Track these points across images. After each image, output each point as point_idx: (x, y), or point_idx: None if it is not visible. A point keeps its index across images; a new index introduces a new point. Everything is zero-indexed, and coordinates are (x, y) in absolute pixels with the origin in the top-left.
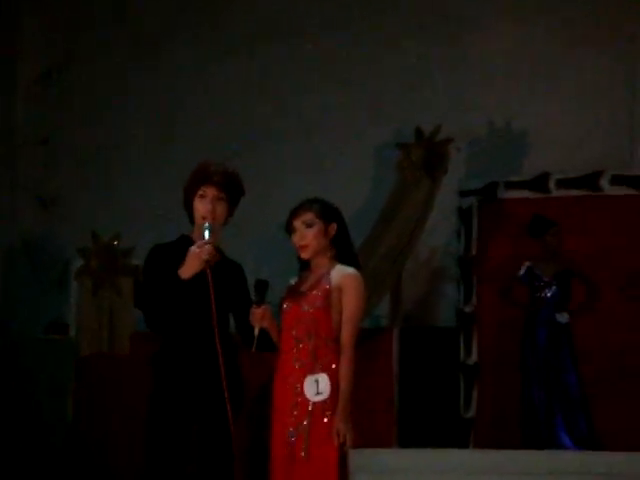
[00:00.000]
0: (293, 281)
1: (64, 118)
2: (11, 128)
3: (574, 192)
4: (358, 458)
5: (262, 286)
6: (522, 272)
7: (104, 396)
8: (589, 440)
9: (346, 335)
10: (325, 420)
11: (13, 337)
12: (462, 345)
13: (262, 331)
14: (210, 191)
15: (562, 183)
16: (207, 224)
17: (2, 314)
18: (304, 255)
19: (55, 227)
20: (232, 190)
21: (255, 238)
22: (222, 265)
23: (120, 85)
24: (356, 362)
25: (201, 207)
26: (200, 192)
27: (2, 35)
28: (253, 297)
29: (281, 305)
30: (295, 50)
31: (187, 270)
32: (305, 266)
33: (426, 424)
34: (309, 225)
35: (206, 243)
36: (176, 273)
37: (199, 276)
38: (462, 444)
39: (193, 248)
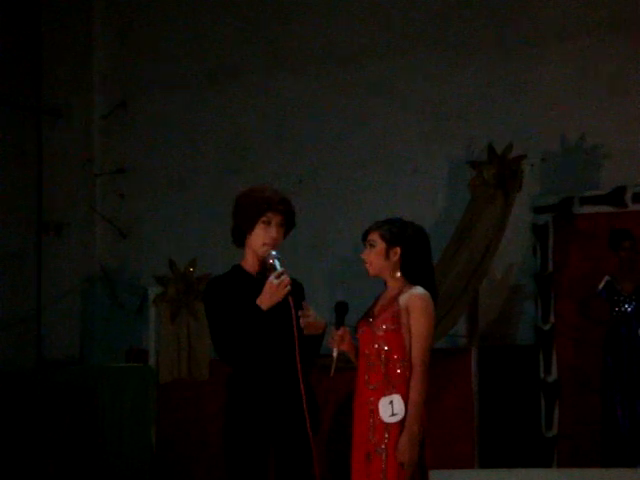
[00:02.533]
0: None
1: (140, 148)
2: (88, 158)
3: None
4: (440, 479)
5: (342, 308)
6: (601, 287)
7: (186, 422)
8: None
9: (415, 355)
10: None
11: (94, 365)
12: (542, 363)
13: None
14: (275, 218)
15: (639, 197)
16: (273, 253)
17: (82, 343)
18: (368, 273)
19: (132, 255)
20: (291, 217)
21: (331, 259)
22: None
23: (192, 115)
24: (427, 382)
25: (265, 234)
26: (264, 219)
27: (79, 67)
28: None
29: (357, 328)
30: (363, 71)
31: (268, 301)
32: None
33: (508, 444)
34: (371, 245)
35: (282, 274)
36: (255, 305)
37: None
38: (545, 463)
39: (271, 280)
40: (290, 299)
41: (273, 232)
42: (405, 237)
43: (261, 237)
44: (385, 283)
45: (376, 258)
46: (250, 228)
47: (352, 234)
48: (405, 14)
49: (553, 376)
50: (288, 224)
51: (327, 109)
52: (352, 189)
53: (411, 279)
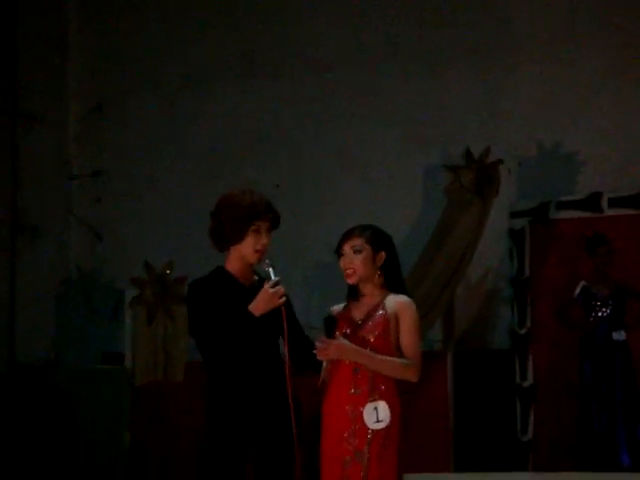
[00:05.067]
0: (336, 308)
1: (115, 151)
2: (64, 161)
3: (627, 211)
4: None
5: (331, 322)
6: (578, 292)
7: (160, 424)
8: None
9: (412, 354)
10: (384, 448)
11: (69, 368)
12: (517, 367)
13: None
14: (265, 225)
15: (614, 202)
16: (268, 261)
17: (57, 345)
18: (349, 280)
19: (109, 258)
20: (278, 222)
21: (307, 264)
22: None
23: (168, 118)
24: (417, 376)
25: (256, 241)
26: (254, 227)
27: (54, 71)
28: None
29: (335, 333)
30: (339, 77)
31: (262, 308)
32: (353, 293)
33: (483, 448)
34: (357, 251)
35: (277, 283)
36: (246, 310)
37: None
38: (520, 467)
39: (267, 288)
40: (283, 309)
41: (264, 239)
42: (387, 242)
43: (252, 245)
44: (357, 288)
45: (362, 264)
46: (240, 238)
47: (328, 239)
48: (381, 22)
49: (529, 381)
50: (274, 228)
51: (303, 114)
52: (328, 194)
53: (390, 284)
